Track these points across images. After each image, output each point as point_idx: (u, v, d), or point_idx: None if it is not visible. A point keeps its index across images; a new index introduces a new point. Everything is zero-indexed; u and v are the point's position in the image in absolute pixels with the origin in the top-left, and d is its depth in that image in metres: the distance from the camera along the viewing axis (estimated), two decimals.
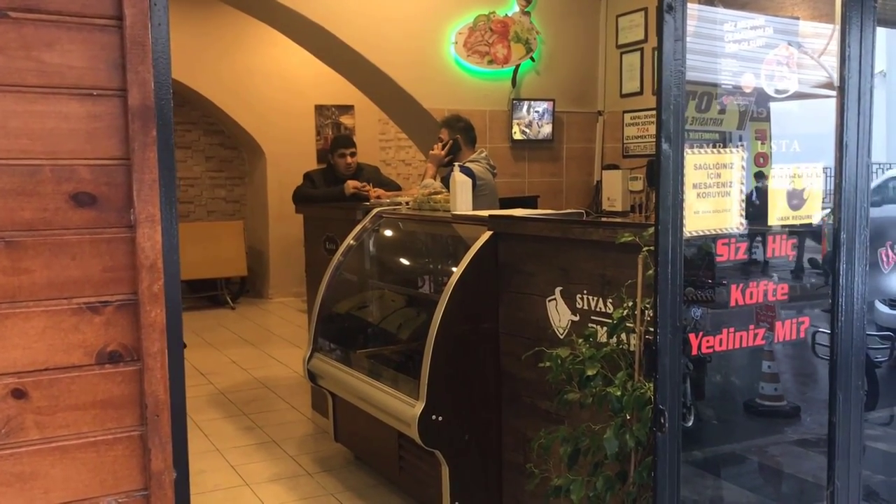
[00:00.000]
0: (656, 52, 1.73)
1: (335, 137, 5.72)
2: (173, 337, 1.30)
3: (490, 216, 3.33)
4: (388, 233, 4.38)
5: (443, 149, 4.87)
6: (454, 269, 3.36)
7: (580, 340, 2.31)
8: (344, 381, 3.88)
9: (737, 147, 1.90)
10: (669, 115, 1.69)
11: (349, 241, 4.33)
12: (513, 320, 3.23)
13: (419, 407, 3.19)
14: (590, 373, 2.20)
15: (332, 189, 5.24)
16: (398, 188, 5.51)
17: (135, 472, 1.31)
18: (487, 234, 3.31)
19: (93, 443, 1.27)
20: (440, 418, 3.20)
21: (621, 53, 6.44)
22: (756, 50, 2.04)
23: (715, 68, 2.04)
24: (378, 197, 5.00)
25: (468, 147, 4.93)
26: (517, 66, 6.18)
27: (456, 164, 4.15)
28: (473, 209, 4.03)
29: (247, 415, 5.16)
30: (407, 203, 4.38)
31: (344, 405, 4.06)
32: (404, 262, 4.40)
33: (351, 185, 5.22)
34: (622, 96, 6.45)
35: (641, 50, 6.24)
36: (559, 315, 2.98)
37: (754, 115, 2.98)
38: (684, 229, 1.74)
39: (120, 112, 1.27)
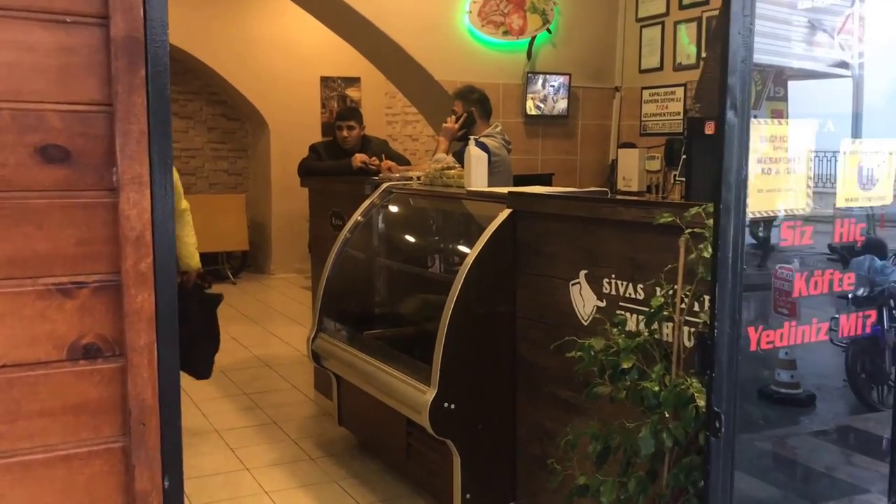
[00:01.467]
0: (720, 12, 1.51)
1: (338, 110, 5.49)
2: (165, 327, 1.05)
3: (510, 193, 3.12)
4: (399, 209, 4.17)
5: (456, 122, 4.65)
6: (469, 248, 3.16)
7: (614, 330, 2.11)
8: (350, 363, 3.69)
9: (804, 119, 1.68)
10: (736, 79, 1.48)
11: (357, 216, 4.12)
12: (532, 304, 3.03)
13: (431, 394, 3.00)
14: (625, 366, 2.00)
15: (339, 162, 5.03)
16: (407, 163, 5.30)
17: (115, 493, 1.06)
18: (506, 211, 3.11)
19: (63, 457, 1.04)
20: (452, 406, 3.01)
21: (641, 27, 6.19)
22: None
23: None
24: (389, 170, 4.79)
25: (483, 121, 4.71)
26: (533, 38, 5.94)
27: (471, 137, 3.94)
28: (488, 186, 3.82)
29: (247, 394, 4.98)
30: (418, 178, 4.17)
31: (349, 388, 3.87)
32: (415, 240, 4.19)
33: (359, 158, 5.00)
34: (641, 72, 6.21)
35: (662, 24, 5.99)
36: (583, 300, 2.78)
37: (771, 94, 2.78)
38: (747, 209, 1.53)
39: (100, 45, 1.05)
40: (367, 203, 4.13)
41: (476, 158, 3.83)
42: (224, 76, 8.84)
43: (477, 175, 3.81)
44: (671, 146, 5.84)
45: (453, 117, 4.68)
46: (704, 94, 4.67)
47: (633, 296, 2.56)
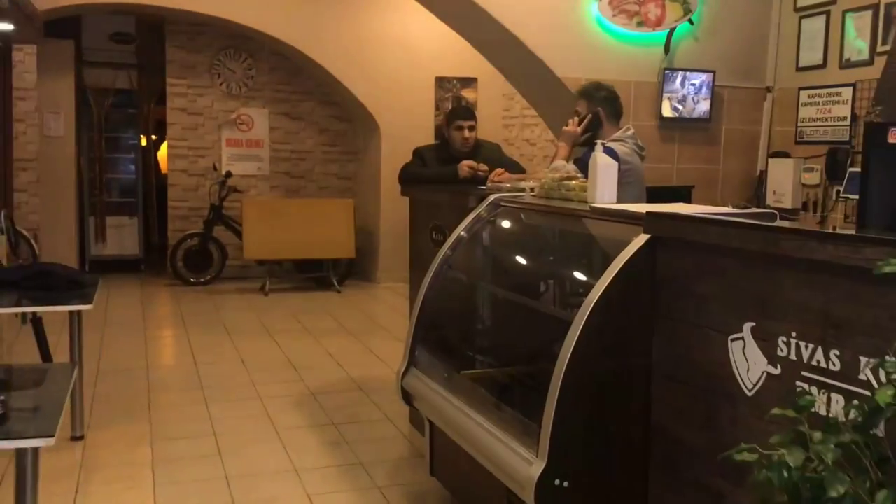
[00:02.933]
0: None
1: (452, 108, 4.93)
2: None
3: (648, 214, 2.44)
4: (508, 225, 3.54)
5: (579, 124, 3.99)
6: (594, 281, 2.49)
7: (817, 437, 1.41)
8: (444, 411, 3.08)
9: None
10: None
11: (459, 232, 3.52)
12: (674, 359, 2.34)
13: (539, 466, 2.35)
14: (833, 494, 1.30)
15: (445, 169, 4.46)
16: (522, 171, 4.66)
17: None
18: (643, 237, 2.43)
19: None
20: (565, 484, 2.36)
21: (800, 18, 5.33)
22: None
23: None
24: (500, 181, 4.17)
25: (611, 123, 4.02)
26: (672, 30, 5.19)
27: (598, 142, 3.27)
28: (617, 201, 3.15)
29: (335, 425, 4.46)
30: (532, 189, 3.52)
31: (444, 436, 3.27)
32: (526, 264, 3.54)
33: (466, 165, 4.41)
34: (799, 70, 5.34)
35: (828, 13, 5.12)
36: (748, 362, 2.07)
37: None
38: None
39: None
40: (471, 217, 3.52)
41: (603, 167, 3.15)
42: (335, 75, 8.48)
43: (604, 188, 3.14)
44: (834, 157, 4.97)
45: (576, 119, 4.01)
46: (888, 94, 3.82)
47: (823, 365, 1.84)
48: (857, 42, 4.91)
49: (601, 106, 3.99)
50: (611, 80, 4.65)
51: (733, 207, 5.38)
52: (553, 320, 2.98)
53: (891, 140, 3.74)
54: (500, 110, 9.11)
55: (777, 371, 1.98)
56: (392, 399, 4.84)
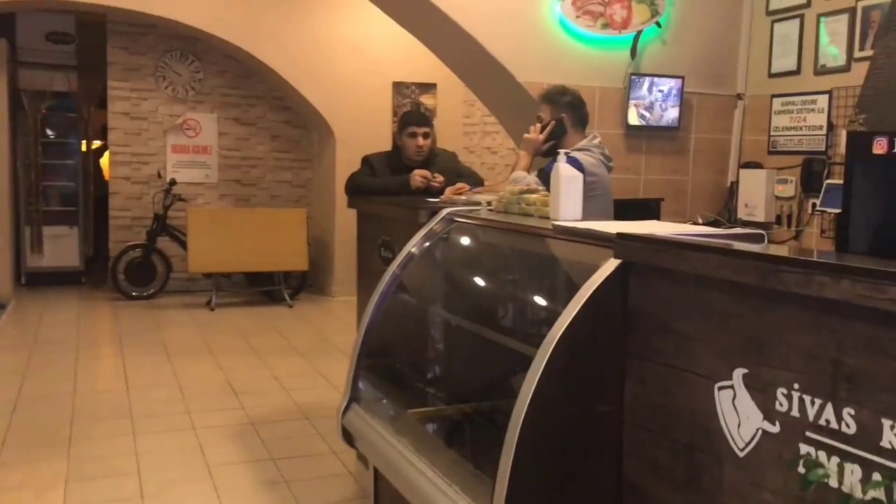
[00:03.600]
0: None
1: (404, 113, 4.56)
2: None
3: (619, 236, 2.10)
4: (462, 243, 3.19)
5: (542, 131, 3.66)
6: (558, 310, 2.15)
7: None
8: (388, 456, 2.71)
9: None
10: None
11: (409, 249, 3.16)
12: (650, 407, 2.00)
13: None
14: None
15: (395, 179, 4.09)
16: (480, 182, 4.31)
17: None
18: (613, 263, 2.09)
19: None
20: None
21: (773, 22, 5.07)
22: None
23: None
24: (459, 192, 3.82)
25: (576, 130, 3.69)
26: (639, 33, 4.89)
27: (561, 151, 2.93)
28: (583, 215, 2.82)
29: (274, 460, 4.06)
30: (489, 204, 3.17)
31: (389, 485, 2.90)
32: (483, 287, 3.19)
33: (418, 175, 4.06)
34: (771, 76, 5.08)
35: (801, 17, 4.86)
36: (738, 416, 1.73)
37: None
38: None
39: None
40: (421, 233, 3.17)
41: (567, 180, 2.82)
42: (288, 79, 8.09)
43: (568, 202, 2.80)
44: (810, 168, 4.71)
45: (538, 126, 3.68)
46: (872, 102, 3.54)
47: (834, 425, 1.51)
48: (831, 48, 4.65)
49: (565, 112, 3.67)
50: (575, 86, 4.34)
51: (702, 221, 5.11)
52: (512, 353, 2.63)
53: (875, 151, 3.47)
54: (460, 117, 8.78)
55: (775, 429, 1.64)
56: None
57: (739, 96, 5.25)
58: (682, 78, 5.03)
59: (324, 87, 8.14)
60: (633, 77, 4.92)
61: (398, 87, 8.62)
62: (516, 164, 3.66)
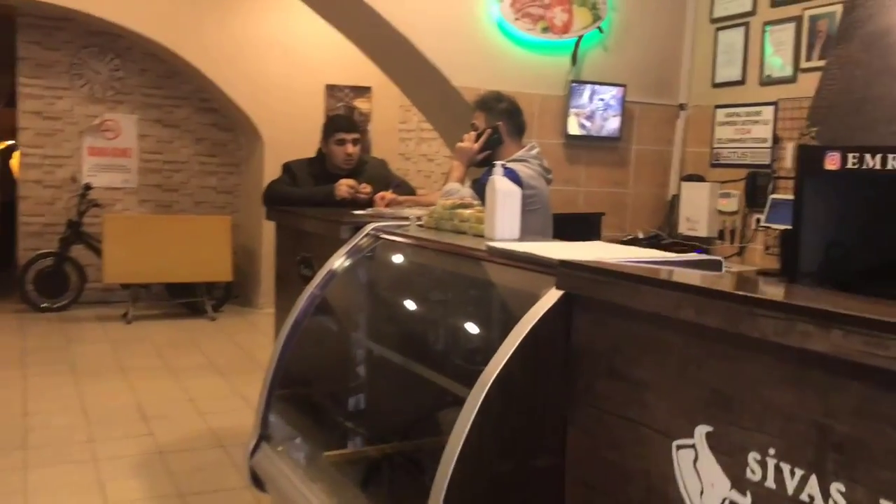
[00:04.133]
0: None
1: (331, 118, 4.25)
2: None
3: (562, 264, 1.82)
4: (388, 263, 2.89)
5: (476, 140, 3.38)
6: (492, 344, 1.86)
7: None
8: None
9: None
10: None
11: (329, 268, 2.85)
12: (596, 463, 1.72)
13: None
14: None
15: (319, 189, 3.78)
16: (412, 191, 4.02)
17: None
18: (555, 294, 1.81)
19: None
20: None
21: (717, 29, 4.90)
22: None
23: None
24: (388, 203, 3.52)
25: (513, 139, 3.43)
26: (580, 38, 4.67)
27: (498, 164, 2.66)
28: (521, 232, 2.56)
29: (182, 496, 3.69)
30: (419, 220, 2.88)
31: None
32: (410, 314, 2.88)
33: (345, 184, 3.74)
34: (715, 86, 4.91)
35: (747, 25, 4.69)
36: (700, 481, 1.47)
37: None
38: None
39: None
40: (343, 251, 2.86)
41: (504, 195, 2.55)
42: (214, 80, 7.67)
43: (504, 220, 2.53)
44: (754, 182, 4.55)
45: (472, 134, 3.41)
46: (825, 114, 3.36)
47: (819, 502, 1.25)
48: (776, 58, 4.49)
49: (501, 120, 3.41)
50: (513, 92, 4.10)
51: (643, 236, 4.90)
52: (440, 390, 2.33)
53: (828, 166, 3.28)
54: (395, 123, 8.49)
55: (746, 500, 1.38)
56: None
57: (682, 106, 5.07)
58: (624, 86, 4.82)
59: (252, 88, 7.75)
60: (573, 84, 4.69)
61: (331, 90, 8.28)
62: (449, 175, 3.38)
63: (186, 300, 7.85)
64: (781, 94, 4.45)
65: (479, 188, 3.26)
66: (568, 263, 1.80)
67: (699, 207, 4.79)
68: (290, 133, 7.82)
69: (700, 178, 4.89)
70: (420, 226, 2.86)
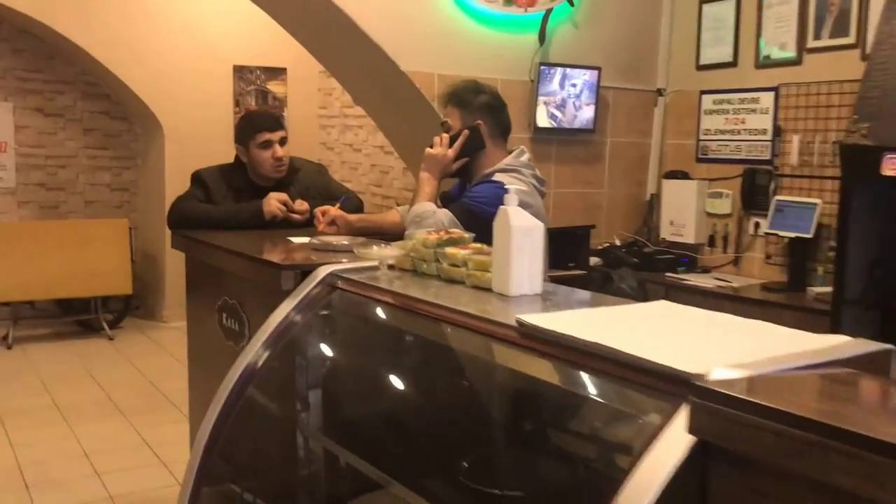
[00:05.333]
0: None
1: (248, 116, 3.41)
2: None
3: (697, 391, 1.06)
4: (353, 326, 2.10)
5: (451, 144, 2.61)
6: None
7: None
8: None
9: None
10: None
11: (268, 331, 2.04)
12: None
13: None
14: None
15: (242, 207, 2.94)
16: (359, 205, 3.21)
17: None
18: (682, 441, 1.07)
19: None
20: None
21: (701, 2, 4.23)
22: None
23: None
24: (332, 223, 2.71)
25: (496, 142, 2.68)
26: (548, 12, 3.93)
27: (510, 188, 1.90)
28: None
29: None
30: (390, 264, 2.08)
31: None
32: (392, 405, 2.07)
33: (275, 200, 2.92)
34: (700, 68, 4.25)
35: None
36: None
37: None
38: None
39: None
40: (288, 307, 2.05)
41: (522, 234, 1.82)
42: (103, 62, 6.63)
43: (523, 269, 1.80)
44: (752, 180, 3.92)
45: (444, 137, 2.64)
46: (879, 106, 2.73)
47: None
48: (776, 36, 3.86)
49: (481, 117, 2.64)
50: (472, 77, 3.36)
51: (620, 242, 4.23)
52: None
53: (886, 171, 2.64)
54: (314, 108, 7.60)
55: None
56: None
57: (660, 92, 4.41)
58: (599, 69, 4.12)
59: (148, 71, 6.74)
60: (542, 68, 3.95)
61: (240, 71, 7.32)
62: (418, 193, 2.60)
63: (79, 317, 6.82)
64: (783, 78, 3.83)
65: (448, 200, 2.51)
66: (709, 393, 1.05)
67: (684, 209, 4.15)
68: (193, 121, 6.91)
69: (684, 175, 4.25)
70: (392, 267, 2.08)
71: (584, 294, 1.88)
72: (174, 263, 6.85)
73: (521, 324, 1.50)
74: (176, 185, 7.14)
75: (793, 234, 3.60)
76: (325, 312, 2.05)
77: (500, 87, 3.87)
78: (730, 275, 3.98)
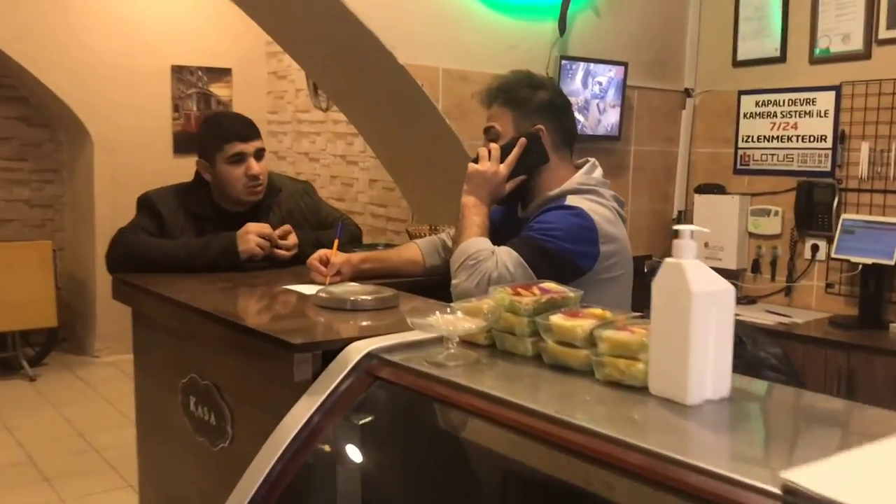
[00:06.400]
0: None
1: (213, 120, 2.67)
2: None
3: None
4: (408, 442, 1.39)
5: (503, 157, 1.93)
6: None
7: None
8: None
9: None
10: None
11: (283, 446, 1.32)
12: None
13: None
14: None
15: (209, 242, 2.19)
16: (357, 234, 2.49)
17: None
18: None
19: None
20: None
21: None
22: None
23: None
24: (338, 272, 2.00)
25: (562, 154, 2.02)
26: (568, 1, 3.27)
27: (684, 229, 1.20)
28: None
29: None
30: (447, 350, 1.36)
31: None
32: None
33: (254, 233, 2.18)
34: (738, 64, 3.65)
35: None
36: None
37: None
38: None
39: None
40: (308, 408, 1.34)
41: (704, 301, 1.13)
42: (20, 62, 5.74)
43: (708, 362, 1.11)
44: (809, 195, 3.33)
45: (492, 148, 1.94)
46: None
47: None
48: (838, 25, 3.28)
49: (542, 121, 1.97)
50: (480, 73, 2.72)
51: (647, 269, 3.58)
52: None
53: None
54: (263, 113, 6.81)
55: None
56: None
57: (687, 92, 3.80)
58: (625, 65, 3.48)
59: (73, 72, 5.89)
60: (564, 62, 3.29)
61: (179, 72, 6.50)
62: (462, 224, 1.89)
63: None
64: (846, 75, 3.25)
65: (524, 247, 1.84)
66: None
67: (722, 229, 3.54)
68: (126, 128, 6.10)
69: (720, 189, 3.65)
70: (462, 344, 1.37)
71: (787, 394, 1.22)
72: (107, 288, 6.00)
73: (794, 491, 0.82)
74: (107, 200, 6.32)
75: (869, 260, 3.02)
76: (363, 420, 1.34)
77: None
78: (781, 306, 3.40)
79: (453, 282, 1.75)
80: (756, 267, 3.55)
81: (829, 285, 3.31)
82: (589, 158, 2.06)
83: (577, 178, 1.95)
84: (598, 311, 1.35)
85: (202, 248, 2.16)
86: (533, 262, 1.73)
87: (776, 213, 3.47)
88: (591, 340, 1.26)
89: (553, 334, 1.30)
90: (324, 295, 1.75)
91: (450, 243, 2.22)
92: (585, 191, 1.89)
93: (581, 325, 1.27)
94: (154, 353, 2.03)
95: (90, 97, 6.01)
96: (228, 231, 2.21)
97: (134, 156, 6.04)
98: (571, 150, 2.06)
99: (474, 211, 1.87)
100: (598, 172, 2.02)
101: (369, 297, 1.71)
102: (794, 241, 3.42)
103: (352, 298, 1.71)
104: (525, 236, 1.80)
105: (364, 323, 1.62)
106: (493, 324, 1.35)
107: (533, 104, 1.97)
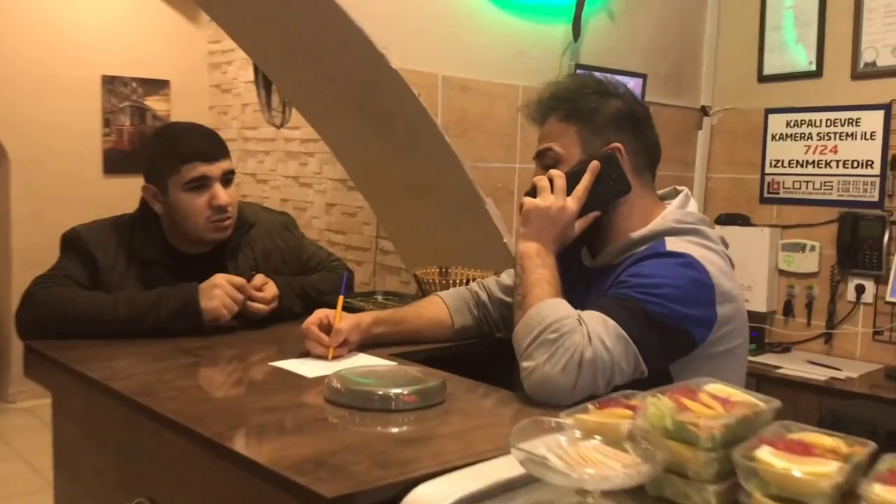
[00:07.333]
0: None
1: (169, 132, 2.08)
2: None
3: None
4: None
5: (570, 187, 1.42)
6: None
7: None
8: None
9: None
10: None
11: None
12: None
13: None
14: None
15: (162, 296, 1.62)
16: (349, 280, 1.95)
17: None
18: None
19: None
20: None
21: None
22: None
23: None
24: (344, 342, 1.47)
25: (643, 180, 1.53)
26: (583, 1, 2.79)
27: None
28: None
29: None
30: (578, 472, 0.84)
31: None
32: None
33: (222, 291, 1.62)
34: (764, 79, 3.22)
35: None
36: None
37: None
38: None
39: None
40: None
41: None
42: None
43: None
44: (853, 227, 2.92)
45: (556, 177, 1.43)
46: None
47: None
48: (885, 35, 2.89)
49: (619, 138, 1.47)
50: (486, 83, 2.24)
51: None
52: None
53: None
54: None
55: None
56: None
57: (704, 110, 3.36)
58: (644, 77, 3.02)
59: None
60: (577, 69, 2.81)
61: (111, 83, 5.85)
62: (525, 278, 1.35)
63: None
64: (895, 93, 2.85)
65: (620, 309, 1.32)
66: None
67: (749, 265, 3.09)
68: (49, 145, 5.46)
69: (745, 220, 3.21)
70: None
71: None
72: None
73: None
74: (25, 228, 5.62)
75: None
76: None
77: (522, 97, 2.73)
78: (820, 355, 2.96)
79: (525, 364, 1.22)
80: (788, 309, 3.10)
81: (877, 332, 2.89)
82: (685, 190, 1.57)
83: (671, 213, 1.46)
84: (814, 436, 0.85)
85: (151, 306, 1.58)
86: (638, 335, 1.22)
87: (812, 249, 3.04)
88: (836, 498, 0.75)
89: (762, 483, 0.79)
90: (337, 385, 1.20)
91: (483, 296, 1.70)
92: (686, 231, 1.40)
93: (820, 471, 0.76)
94: (82, 462, 1.44)
95: (7, 109, 5.35)
96: (185, 281, 1.64)
97: (57, 176, 5.40)
98: (654, 173, 1.57)
99: (539, 262, 1.34)
100: (693, 205, 1.53)
101: (408, 391, 1.17)
102: (835, 281, 2.99)
103: (380, 393, 1.17)
104: (620, 295, 1.28)
105: (411, 435, 1.08)
106: (659, 465, 0.83)
107: (605, 116, 1.47)
